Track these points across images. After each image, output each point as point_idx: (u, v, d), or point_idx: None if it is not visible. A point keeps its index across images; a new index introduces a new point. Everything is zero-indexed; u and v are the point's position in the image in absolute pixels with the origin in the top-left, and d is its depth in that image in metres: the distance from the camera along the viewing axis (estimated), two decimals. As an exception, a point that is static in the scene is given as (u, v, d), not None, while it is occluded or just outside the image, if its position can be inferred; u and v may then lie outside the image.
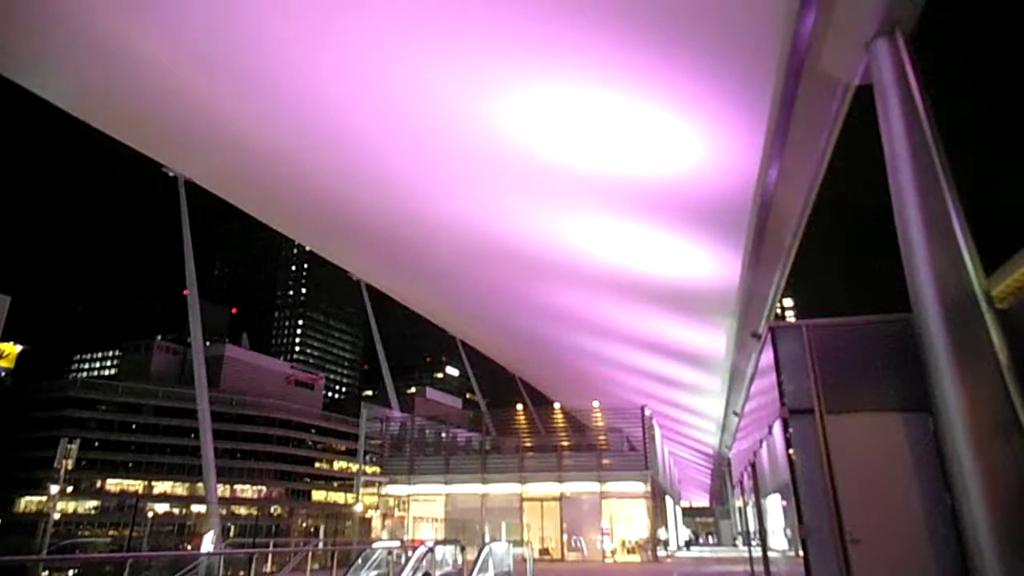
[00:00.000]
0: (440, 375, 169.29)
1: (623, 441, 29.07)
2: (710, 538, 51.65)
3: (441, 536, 26.52)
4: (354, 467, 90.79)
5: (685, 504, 59.36)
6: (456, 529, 26.73)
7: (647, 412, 28.44)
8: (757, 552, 13.57)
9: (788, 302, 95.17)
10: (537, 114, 9.98)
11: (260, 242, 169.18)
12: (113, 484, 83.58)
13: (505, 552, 14.92)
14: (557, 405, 39.96)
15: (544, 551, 26.43)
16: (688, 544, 43.23)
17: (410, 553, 12.76)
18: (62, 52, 12.25)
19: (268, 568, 17.38)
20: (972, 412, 5.36)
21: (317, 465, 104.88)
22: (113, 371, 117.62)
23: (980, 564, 5.19)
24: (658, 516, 28.98)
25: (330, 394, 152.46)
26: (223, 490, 79.40)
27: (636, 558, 26.40)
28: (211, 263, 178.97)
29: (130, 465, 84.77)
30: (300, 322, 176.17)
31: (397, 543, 15.75)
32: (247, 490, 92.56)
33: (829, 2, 6.48)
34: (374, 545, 14.95)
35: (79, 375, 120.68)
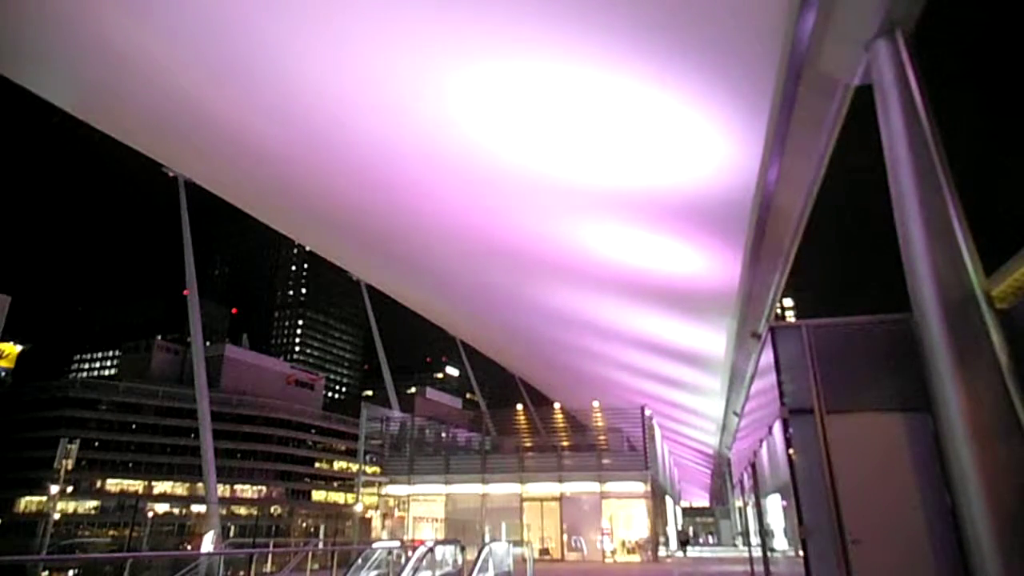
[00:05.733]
0: (440, 375, 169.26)
1: (623, 441, 29.07)
2: (710, 538, 51.50)
3: (441, 536, 26.52)
4: (354, 467, 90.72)
5: (685, 504, 59.34)
6: (456, 529, 26.72)
7: (647, 412, 28.43)
8: (757, 552, 13.57)
9: (788, 302, 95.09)
10: (539, 115, 9.99)
11: (260, 242, 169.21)
12: (113, 484, 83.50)
13: (505, 552, 14.91)
14: (557, 405, 39.97)
15: (544, 551, 26.42)
16: (684, 545, 36.60)
17: (410, 553, 12.75)
18: (62, 52, 12.25)
19: (268, 568, 17.37)
20: (972, 412, 5.36)
21: (317, 465, 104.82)
22: (113, 371, 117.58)
23: (980, 564, 5.19)
24: (658, 516, 28.96)
25: (330, 394, 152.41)
26: (223, 490, 79.37)
27: (636, 558, 26.40)
28: (211, 263, 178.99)
29: (130, 465, 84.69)
30: (300, 322, 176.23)
31: (397, 543, 15.75)
32: (247, 490, 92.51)
33: (829, 2, 6.48)
34: (374, 545, 14.95)
35: (79, 375, 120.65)
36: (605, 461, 27.78)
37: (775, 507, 9.24)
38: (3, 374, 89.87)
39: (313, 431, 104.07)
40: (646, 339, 20.87)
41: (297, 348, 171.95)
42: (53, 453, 30.76)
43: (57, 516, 43.25)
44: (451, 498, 28.75)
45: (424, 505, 29.27)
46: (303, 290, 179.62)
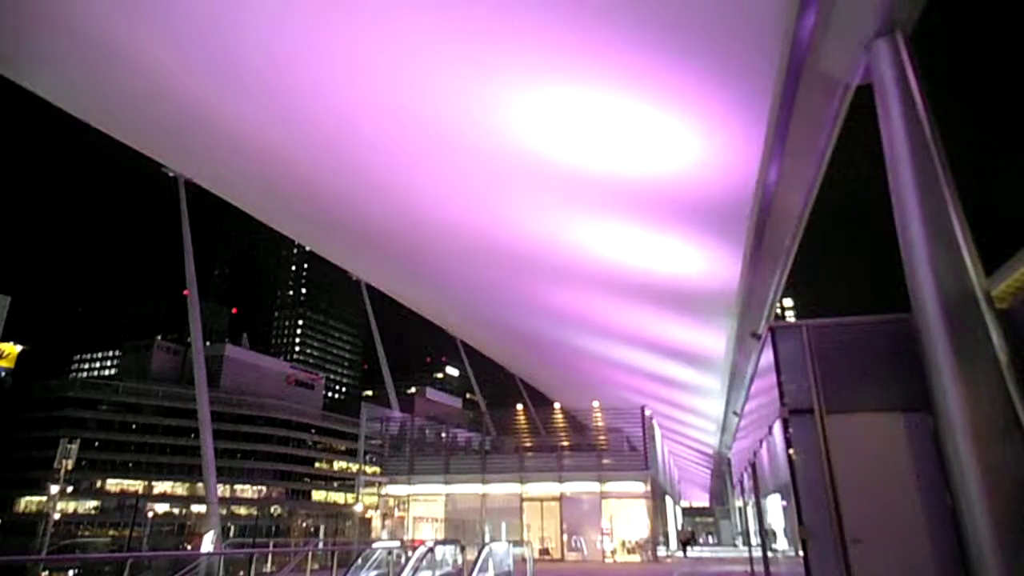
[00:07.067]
0: (440, 375, 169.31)
1: (623, 441, 29.06)
2: (710, 538, 51.48)
3: (441, 536, 26.51)
4: (354, 467, 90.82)
5: (685, 504, 59.32)
6: (456, 529, 26.71)
7: (647, 412, 28.43)
8: (757, 552, 13.58)
9: (788, 302, 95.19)
10: (538, 115, 9.98)
11: (260, 242, 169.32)
12: (113, 484, 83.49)
13: (505, 552, 14.89)
14: (557, 405, 39.96)
15: (544, 551, 26.41)
16: (684, 546, 34.71)
17: (410, 553, 12.74)
18: (63, 53, 12.25)
19: (268, 568, 17.38)
20: (972, 412, 5.36)
21: (317, 465, 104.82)
22: (113, 371, 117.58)
23: (980, 564, 5.19)
24: (658, 516, 28.95)
25: (330, 394, 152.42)
26: (223, 490, 79.36)
27: (636, 558, 26.40)
28: (211, 263, 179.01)
29: (130, 465, 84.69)
30: (300, 322, 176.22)
31: (397, 543, 15.74)
32: (247, 490, 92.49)
33: (829, 2, 6.48)
34: (374, 545, 14.93)
35: (79, 375, 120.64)
36: (605, 461, 27.77)
37: (775, 507, 9.24)
38: (3, 374, 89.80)
39: (313, 431, 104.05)
40: (646, 339, 20.87)
41: (297, 348, 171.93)
42: (53, 453, 30.82)
43: (57, 516, 43.25)
44: (451, 498, 28.74)
45: (424, 505, 29.26)
46: (303, 290, 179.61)
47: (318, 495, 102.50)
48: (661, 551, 28.27)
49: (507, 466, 28.67)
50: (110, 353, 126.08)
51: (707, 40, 7.37)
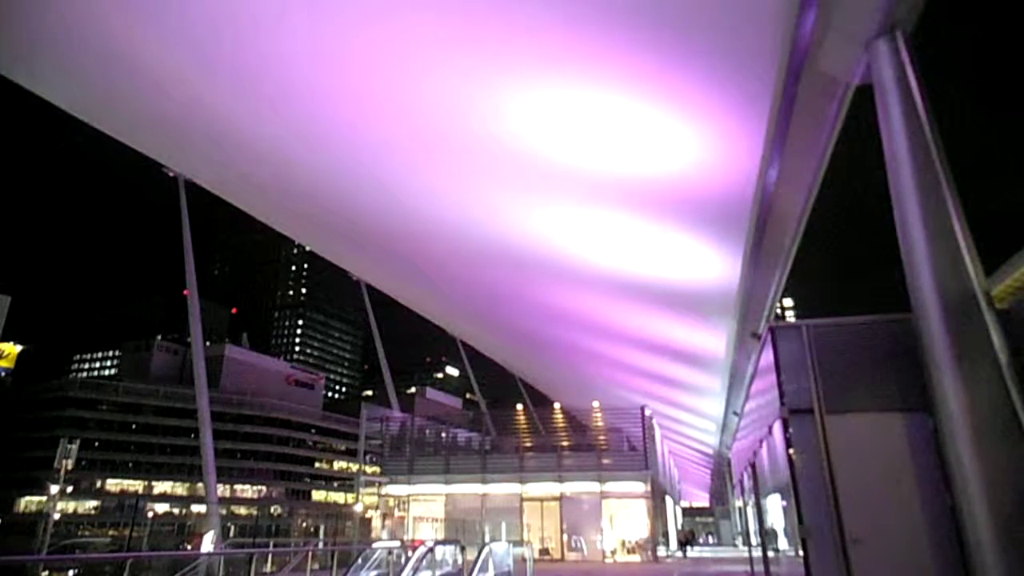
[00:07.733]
0: (440, 375, 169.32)
1: (623, 441, 29.07)
2: (710, 538, 51.47)
3: (441, 536, 26.52)
4: (354, 467, 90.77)
5: (685, 504, 59.32)
6: (456, 529, 26.72)
7: (647, 412, 28.43)
8: (757, 552, 13.58)
9: (788, 302, 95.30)
10: (539, 115, 9.98)
11: (260, 242, 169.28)
12: (113, 484, 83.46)
13: (505, 552, 14.91)
14: (557, 405, 39.97)
15: (544, 551, 26.42)
16: (683, 546, 34.34)
17: (410, 553, 12.75)
18: (63, 53, 12.24)
19: (268, 568, 17.38)
20: (972, 412, 5.36)
21: (317, 465, 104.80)
22: (113, 371, 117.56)
23: (980, 564, 5.19)
24: (658, 516, 28.95)
25: (330, 394, 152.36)
26: (223, 490, 79.31)
27: (636, 558, 26.40)
28: (211, 263, 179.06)
29: (130, 465, 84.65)
30: (300, 322, 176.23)
31: (397, 543, 15.74)
32: (247, 490, 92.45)
33: (829, 2, 6.48)
34: (374, 545, 14.94)
35: (79, 375, 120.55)
36: (605, 461, 27.79)
37: (775, 507, 9.25)
38: (3, 374, 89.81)
39: (313, 431, 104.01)
40: (646, 339, 20.87)
41: (297, 348, 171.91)
42: (53, 453, 30.77)
43: (57, 516, 43.18)
44: (451, 498, 28.75)
45: (424, 505, 29.28)
46: (303, 290, 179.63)
47: (318, 495, 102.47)
48: (661, 551, 28.28)
49: (507, 466, 28.68)
50: (110, 353, 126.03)
51: (707, 40, 7.37)
